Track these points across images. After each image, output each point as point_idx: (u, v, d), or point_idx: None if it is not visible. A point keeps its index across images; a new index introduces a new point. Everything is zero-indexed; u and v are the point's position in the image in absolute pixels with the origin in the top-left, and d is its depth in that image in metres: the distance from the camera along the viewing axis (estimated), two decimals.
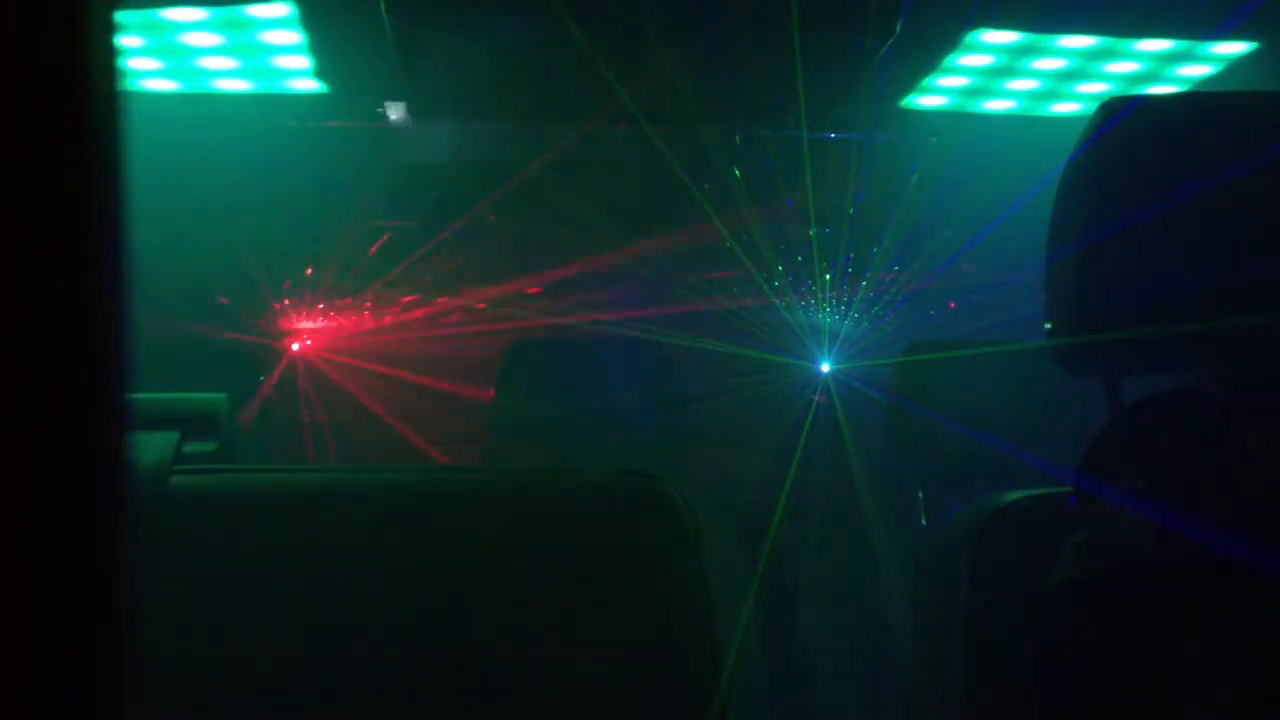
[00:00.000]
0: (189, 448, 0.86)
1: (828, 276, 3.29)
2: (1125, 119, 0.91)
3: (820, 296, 3.50)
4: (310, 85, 1.92)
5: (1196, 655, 0.71)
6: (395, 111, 2.03)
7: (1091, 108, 0.94)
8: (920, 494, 2.20)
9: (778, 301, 3.57)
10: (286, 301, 3.47)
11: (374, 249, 2.99)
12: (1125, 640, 0.74)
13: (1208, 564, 0.73)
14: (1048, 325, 0.98)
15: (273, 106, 2.00)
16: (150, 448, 0.82)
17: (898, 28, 1.65)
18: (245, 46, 1.77)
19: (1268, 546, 0.72)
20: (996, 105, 2.03)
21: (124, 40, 1.75)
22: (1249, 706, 0.70)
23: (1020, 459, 1.93)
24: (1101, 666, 0.76)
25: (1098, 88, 1.94)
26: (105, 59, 0.27)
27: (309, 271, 3.20)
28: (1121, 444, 0.83)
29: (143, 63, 1.82)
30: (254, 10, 1.66)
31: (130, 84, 1.90)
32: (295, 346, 3.89)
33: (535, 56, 1.81)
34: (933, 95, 1.99)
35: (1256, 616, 0.71)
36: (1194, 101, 1.10)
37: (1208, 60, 1.83)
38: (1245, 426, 0.75)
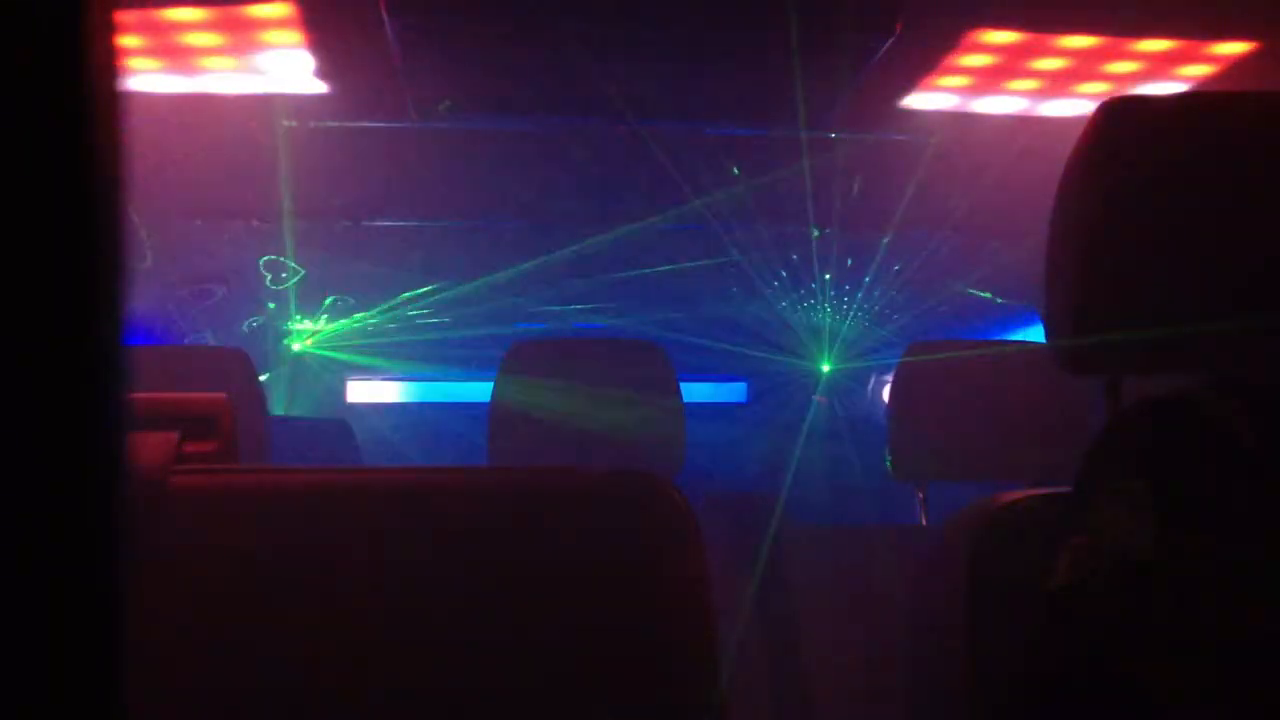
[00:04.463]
0: (189, 448, 0.86)
1: (827, 276, 3.29)
2: (1125, 119, 0.91)
3: (820, 297, 3.50)
4: (310, 85, 1.92)
5: (1197, 660, 0.71)
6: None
7: (1091, 108, 0.94)
8: (920, 494, 2.20)
9: (780, 302, 3.57)
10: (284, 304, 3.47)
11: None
12: (1125, 645, 0.74)
13: (1206, 568, 0.72)
14: (1047, 325, 0.98)
15: (273, 106, 2.00)
16: (150, 448, 0.82)
17: (898, 28, 1.65)
18: (245, 46, 1.77)
19: (1266, 551, 0.72)
20: (996, 105, 2.03)
21: (124, 40, 1.75)
22: (1252, 711, 0.70)
23: (1020, 458, 1.93)
24: (1102, 670, 0.76)
25: (1098, 88, 1.94)
26: (105, 59, 0.27)
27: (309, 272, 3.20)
28: (1120, 447, 0.83)
29: (143, 63, 1.82)
30: (254, 10, 1.66)
31: (130, 84, 1.90)
32: (296, 347, 3.89)
33: (535, 56, 1.81)
34: (933, 95, 1.98)
35: (1257, 621, 0.71)
36: (1194, 101, 1.10)
37: (1208, 60, 1.83)
38: (1242, 429, 0.75)
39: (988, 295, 3.25)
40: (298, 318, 3.65)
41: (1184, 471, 0.77)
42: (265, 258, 3.07)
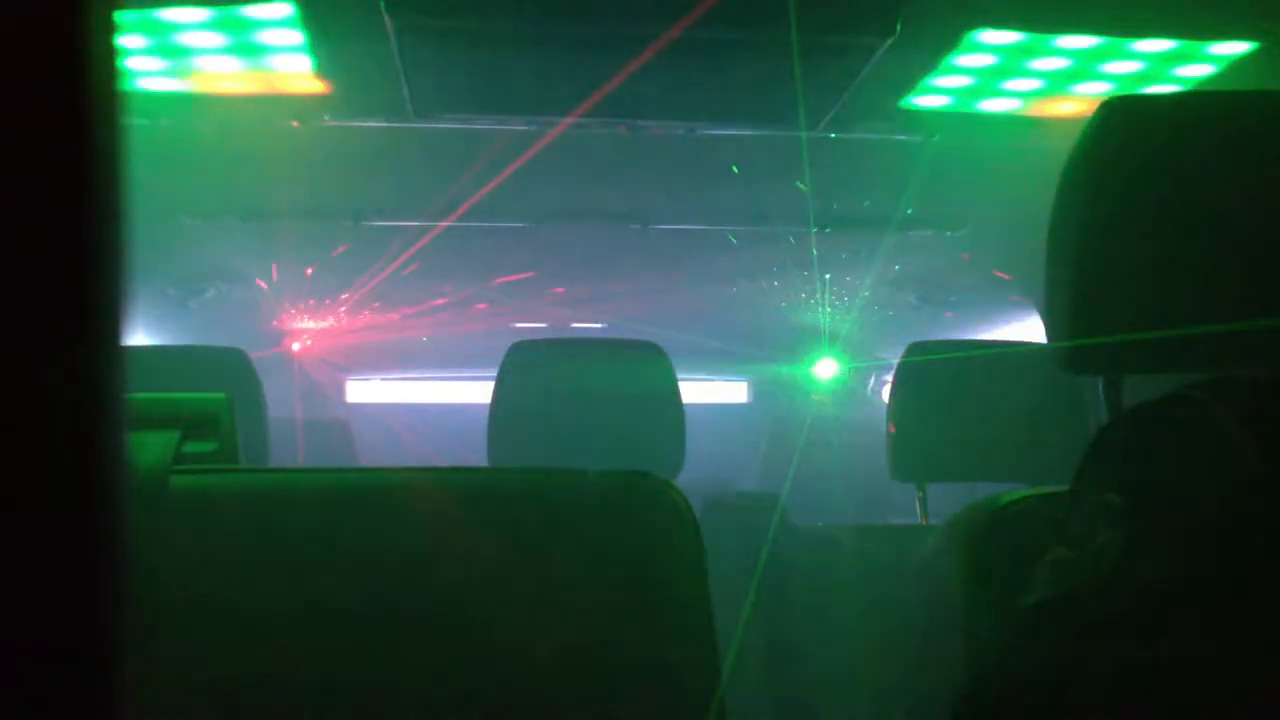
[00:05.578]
0: (189, 448, 0.86)
1: (827, 276, 3.29)
2: (1125, 119, 0.91)
3: (820, 297, 3.50)
4: (310, 85, 1.92)
5: (1170, 676, 0.70)
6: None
7: (1091, 108, 0.93)
8: (920, 494, 2.20)
9: (781, 303, 3.57)
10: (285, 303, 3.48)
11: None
12: (1100, 659, 0.74)
13: (1180, 584, 0.71)
14: (1047, 325, 0.98)
15: (273, 106, 2.00)
16: (150, 448, 0.82)
17: (898, 28, 1.65)
18: (245, 46, 1.77)
19: (1257, 563, 0.71)
20: (996, 105, 2.03)
21: (124, 40, 1.75)
22: None
23: (1020, 458, 1.93)
24: (1083, 682, 0.75)
25: (1098, 88, 1.94)
26: (105, 59, 0.27)
27: (309, 272, 3.20)
28: (1106, 456, 0.83)
29: (143, 63, 1.82)
30: (254, 10, 1.66)
31: (130, 84, 1.89)
32: (295, 347, 3.89)
33: (535, 56, 1.81)
34: (933, 95, 1.98)
35: (1234, 637, 0.70)
36: (1194, 101, 1.10)
37: (1208, 60, 1.83)
38: (1240, 440, 0.74)
39: (987, 295, 3.25)
40: (298, 317, 3.66)
41: (1168, 484, 0.76)
42: (265, 258, 3.07)
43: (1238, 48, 1.78)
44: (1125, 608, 0.72)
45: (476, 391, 3.91)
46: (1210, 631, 0.70)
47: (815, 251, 3.01)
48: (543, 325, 3.77)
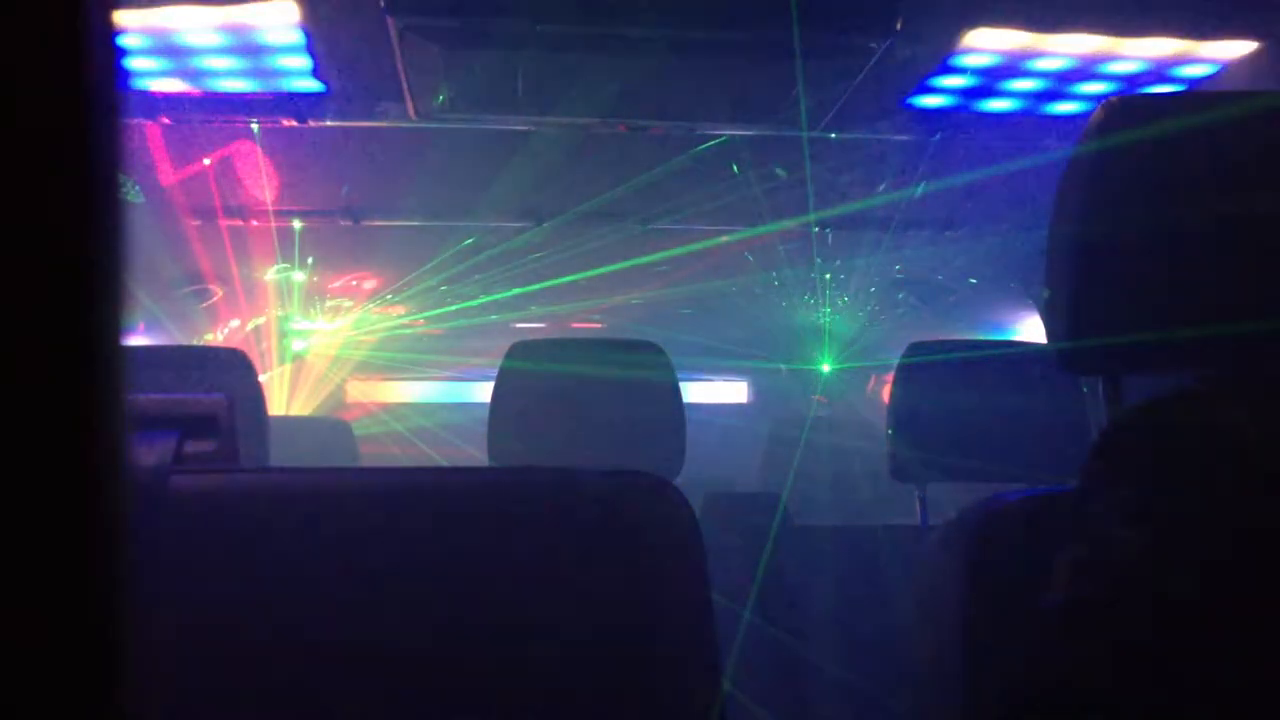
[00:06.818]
0: (189, 448, 0.86)
1: (828, 276, 3.29)
2: (1125, 119, 0.91)
3: (820, 297, 3.50)
4: (310, 85, 1.92)
5: (1190, 681, 0.70)
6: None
7: (1091, 108, 0.93)
8: (920, 494, 2.20)
9: (781, 302, 3.57)
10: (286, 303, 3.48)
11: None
12: (1118, 665, 0.73)
13: (1198, 587, 0.71)
14: (1047, 325, 0.98)
15: (273, 106, 2.00)
16: (150, 448, 0.82)
17: (898, 27, 1.65)
18: (245, 46, 1.77)
19: (1262, 562, 0.71)
20: (996, 105, 2.03)
21: (124, 40, 1.75)
22: None
23: (1020, 458, 1.93)
24: (1096, 686, 0.75)
25: (1098, 88, 1.94)
26: (105, 59, 0.27)
27: (308, 272, 3.20)
28: (1115, 455, 0.82)
29: (143, 63, 1.82)
30: (254, 10, 1.66)
31: (130, 84, 1.90)
32: (297, 346, 3.89)
33: (535, 56, 1.81)
34: (933, 95, 1.99)
35: (1252, 643, 0.70)
36: (1194, 101, 1.10)
37: (1208, 60, 1.83)
38: (1246, 428, 0.74)
39: (987, 294, 3.25)
40: (298, 318, 3.66)
41: (1181, 484, 0.76)
42: (265, 258, 3.07)
43: (1238, 48, 1.78)
44: (1154, 616, 0.72)
45: (476, 391, 3.91)
46: (1225, 636, 0.70)
47: (815, 251, 3.01)
48: (542, 325, 3.77)
